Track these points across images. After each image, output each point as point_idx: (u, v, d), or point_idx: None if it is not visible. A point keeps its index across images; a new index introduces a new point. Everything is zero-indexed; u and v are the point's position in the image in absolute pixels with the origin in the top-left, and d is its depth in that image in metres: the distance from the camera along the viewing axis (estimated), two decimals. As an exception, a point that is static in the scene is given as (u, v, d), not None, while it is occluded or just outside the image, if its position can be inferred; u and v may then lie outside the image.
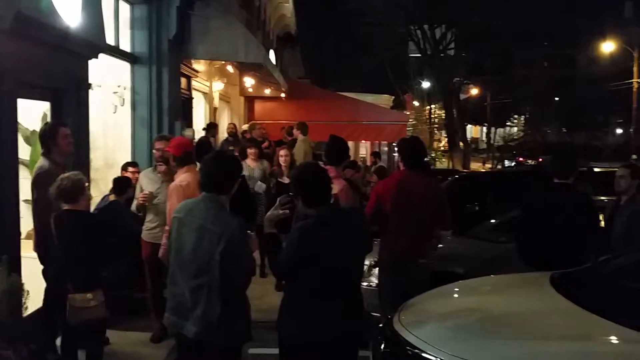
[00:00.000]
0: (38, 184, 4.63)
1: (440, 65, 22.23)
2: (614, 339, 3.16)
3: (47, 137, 4.83)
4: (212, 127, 10.99)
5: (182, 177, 4.90)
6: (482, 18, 20.31)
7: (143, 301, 5.83)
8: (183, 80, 9.86)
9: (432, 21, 21.36)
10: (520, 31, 22.21)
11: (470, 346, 3.07)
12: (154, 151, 5.68)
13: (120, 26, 7.98)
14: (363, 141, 20.44)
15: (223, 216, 3.22)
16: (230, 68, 12.79)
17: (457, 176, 10.11)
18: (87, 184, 4.52)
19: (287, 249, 3.22)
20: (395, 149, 20.11)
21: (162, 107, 8.51)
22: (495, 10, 20.08)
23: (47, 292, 4.64)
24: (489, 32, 21.31)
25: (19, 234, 4.98)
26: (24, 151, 5.95)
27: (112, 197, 6.03)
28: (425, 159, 4.89)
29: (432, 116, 31.60)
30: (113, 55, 7.62)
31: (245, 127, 12.77)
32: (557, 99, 37.15)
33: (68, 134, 4.92)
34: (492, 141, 36.45)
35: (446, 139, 27.20)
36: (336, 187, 4.97)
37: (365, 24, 22.55)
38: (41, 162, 4.83)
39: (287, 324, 3.27)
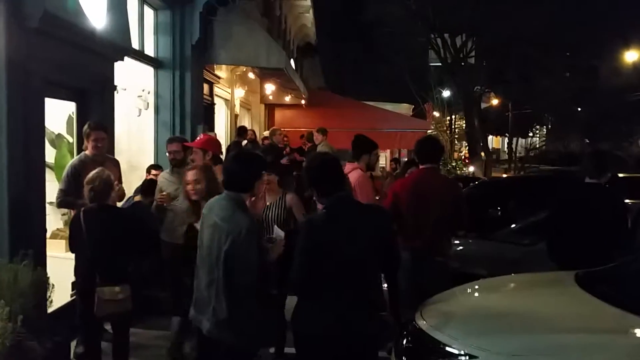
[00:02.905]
0: (70, 170, 4.87)
1: (461, 74, 22.13)
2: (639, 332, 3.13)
3: (84, 134, 5.07)
4: (243, 132, 11.07)
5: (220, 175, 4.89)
6: (503, 27, 20.22)
7: (164, 300, 5.85)
8: (205, 86, 9.98)
9: (453, 30, 21.30)
10: (542, 41, 22.05)
11: (496, 339, 3.03)
12: (167, 153, 5.74)
13: (144, 31, 8.13)
14: (382, 152, 20.40)
15: (236, 214, 3.21)
16: (251, 75, 12.93)
17: (480, 181, 10.06)
18: (115, 181, 4.59)
19: (298, 243, 3.21)
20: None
21: (185, 111, 8.62)
22: (516, 20, 19.98)
23: (76, 286, 4.69)
24: (510, 41, 21.21)
25: (45, 230, 5.05)
26: (49, 154, 6.05)
27: (137, 198, 6.11)
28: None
29: (453, 126, 31.44)
30: (138, 60, 7.74)
31: (265, 133, 12.84)
32: (579, 109, 36.76)
33: (96, 138, 5.02)
34: (514, 151, 36.13)
35: (467, 148, 27.01)
36: (352, 179, 5.01)
37: (386, 34, 22.59)
38: (78, 156, 5.16)
39: (300, 320, 3.24)
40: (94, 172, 4.30)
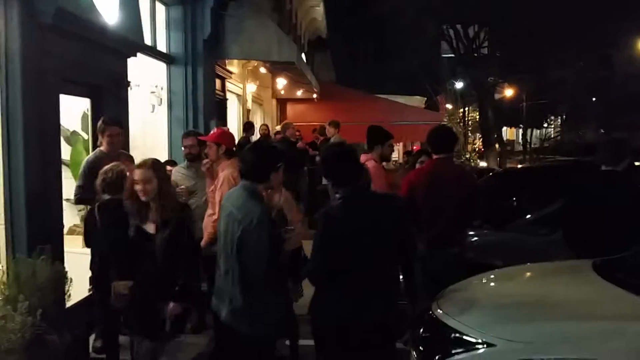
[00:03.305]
0: (86, 166, 4.90)
1: (474, 65, 21.96)
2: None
3: (99, 131, 5.09)
4: (250, 127, 11.11)
5: (232, 169, 4.88)
6: (516, 17, 20.03)
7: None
8: (217, 82, 10.00)
9: (465, 21, 21.12)
10: (555, 30, 21.80)
11: (514, 327, 3.02)
12: (182, 148, 5.75)
13: (156, 27, 8.15)
14: (395, 145, 20.33)
15: (249, 203, 3.23)
16: (262, 69, 12.93)
17: (496, 171, 9.99)
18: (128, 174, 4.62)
19: (315, 235, 3.21)
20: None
21: (198, 106, 8.65)
22: (529, 9, 19.78)
23: (92, 280, 4.74)
24: (523, 31, 21.00)
25: (62, 226, 5.10)
26: (65, 151, 6.10)
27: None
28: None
29: (466, 118, 31.23)
30: (150, 56, 7.77)
31: (278, 127, 12.85)
32: (594, 99, 36.37)
33: (111, 134, 5.04)
34: (528, 143, 35.82)
35: (480, 139, 26.83)
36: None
37: (397, 26, 22.48)
38: (93, 152, 5.17)
39: (319, 311, 3.25)
40: (108, 165, 4.36)
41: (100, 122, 5.13)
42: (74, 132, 6.84)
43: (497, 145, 23.00)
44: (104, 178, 4.31)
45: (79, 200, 5.02)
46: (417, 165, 6.48)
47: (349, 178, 3.25)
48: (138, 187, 3.66)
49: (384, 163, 6.20)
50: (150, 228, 3.70)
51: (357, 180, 3.28)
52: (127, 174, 4.45)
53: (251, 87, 13.39)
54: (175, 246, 3.61)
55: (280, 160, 3.48)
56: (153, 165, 3.71)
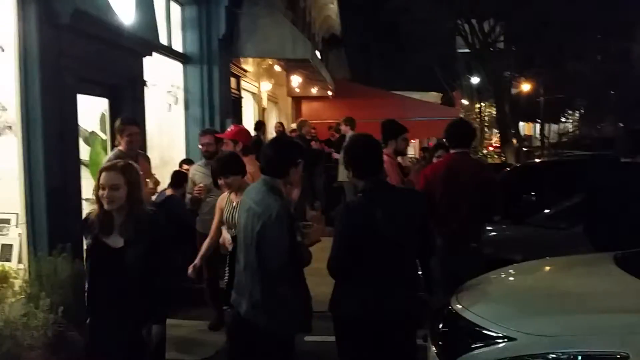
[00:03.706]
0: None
1: (490, 60, 21.77)
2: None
3: (117, 131, 5.11)
4: (261, 126, 11.14)
5: (249, 165, 4.91)
6: (531, 10, 19.82)
7: (200, 291, 5.93)
8: (233, 80, 10.04)
9: (480, 15, 20.94)
10: (572, 23, 21.54)
11: (535, 321, 2.98)
12: (199, 146, 5.78)
13: (172, 27, 8.21)
14: (411, 142, 20.25)
15: (268, 198, 3.23)
16: (277, 67, 12.94)
17: (513, 166, 9.91)
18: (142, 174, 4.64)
19: (335, 227, 3.21)
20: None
21: (214, 105, 8.69)
22: (545, 2, 19.57)
23: None
24: (539, 24, 20.78)
25: (81, 225, 5.14)
26: (84, 152, 6.16)
27: (169, 192, 6.19)
28: None
29: (482, 114, 31.02)
30: (166, 55, 7.82)
31: (293, 125, 12.86)
32: (612, 92, 35.91)
33: (130, 133, 5.08)
34: (546, 138, 35.49)
35: (498, 134, 26.64)
36: None
37: (411, 21, 22.35)
38: (113, 152, 5.19)
39: (340, 303, 3.24)
40: None
41: (118, 122, 5.17)
42: (93, 133, 6.91)
43: (514, 141, 22.80)
44: None
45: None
46: (434, 160, 6.43)
47: (371, 170, 3.24)
48: (103, 193, 3.03)
49: (400, 158, 6.16)
50: (116, 242, 3.09)
51: (378, 173, 3.27)
52: (140, 173, 4.51)
53: (266, 86, 13.41)
54: (149, 266, 3.05)
55: (300, 156, 3.47)
56: (124, 168, 3.11)
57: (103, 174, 3.07)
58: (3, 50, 4.38)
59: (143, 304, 3.07)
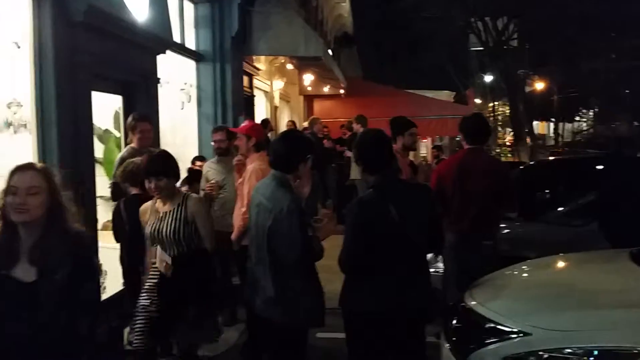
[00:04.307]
0: (119, 163, 4.89)
1: (504, 58, 21.63)
2: None
3: (129, 128, 5.12)
4: (267, 124, 11.16)
5: (260, 162, 4.89)
6: (545, 8, 19.67)
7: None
8: (245, 79, 10.06)
9: (494, 12, 20.82)
10: (586, 21, 21.34)
11: (550, 316, 2.96)
12: (212, 143, 5.79)
13: (185, 25, 8.24)
14: (423, 140, 20.16)
15: (278, 192, 3.22)
16: (289, 66, 12.95)
17: (527, 164, 9.85)
18: None
19: (347, 222, 3.21)
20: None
21: (226, 103, 8.72)
22: (558, 1, 19.43)
23: (123, 274, 4.81)
24: (553, 22, 20.63)
25: (96, 221, 5.19)
26: (97, 149, 6.20)
27: (184, 189, 6.22)
28: None
29: (496, 113, 30.87)
30: (179, 53, 7.86)
31: (305, 124, 12.87)
32: (627, 91, 35.53)
33: (142, 130, 5.09)
34: (560, 136, 35.22)
35: (512, 133, 26.48)
36: None
37: (424, 19, 22.28)
38: (125, 149, 5.20)
39: (352, 299, 3.24)
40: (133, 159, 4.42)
41: (130, 119, 5.19)
42: (107, 131, 6.96)
43: (528, 139, 22.64)
44: (125, 167, 4.40)
45: (114, 194, 5.09)
46: (432, 161, 6.38)
47: (382, 164, 3.23)
48: (12, 201, 2.27)
49: (412, 156, 6.13)
50: (26, 273, 2.29)
51: (389, 168, 3.26)
52: None
53: (278, 84, 13.44)
54: (76, 297, 2.31)
55: (310, 151, 3.46)
56: (45, 170, 2.42)
57: (16, 175, 2.31)
58: (19, 47, 4.41)
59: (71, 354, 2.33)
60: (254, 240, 3.39)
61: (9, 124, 4.68)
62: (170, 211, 3.69)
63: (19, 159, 4.57)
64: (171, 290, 3.68)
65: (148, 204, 3.81)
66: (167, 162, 3.76)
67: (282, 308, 3.21)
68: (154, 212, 3.74)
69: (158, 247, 3.66)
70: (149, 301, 3.79)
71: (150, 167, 3.69)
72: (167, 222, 3.66)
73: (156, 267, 3.76)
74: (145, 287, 3.83)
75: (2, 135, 4.66)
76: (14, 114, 4.55)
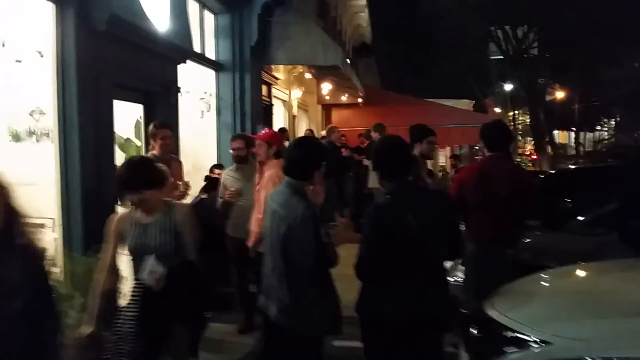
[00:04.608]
0: None
1: (524, 66, 21.47)
2: None
3: (151, 135, 5.19)
4: (284, 132, 11.21)
5: (277, 169, 4.89)
6: (566, 16, 19.52)
7: (230, 295, 5.96)
8: (264, 88, 10.12)
9: (514, 21, 20.71)
10: (606, 29, 21.13)
11: (571, 325, 2.91)
12: (230, 151, 5.83)
13: (205, 35, 8.33)
14: (441, 150, 20.04)
15: (292, 200, 3.21)
16: (308, 75, 13.01)
17: (549, 172, 9.75)
18: (170, 177, 4.70)
19: (363, 227, 3.18)
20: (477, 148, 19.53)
21: (245, 112, 8.79)
22: (579, 8, 19.27)
23: None
24: (574, 30, 20.45)
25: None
26: (119, 158, 6.26)
27: (204, 196, 6.29)
28: None
29: (516, 122, 30.61)
30: (200, 63, 7.94)
31: (323, 132, 12.89)
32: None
33: (163, 136, 5.16)
34: (581, 146, 34.79)
35: (532, 142, 26.22)
36: None
37: (443, 29, 22.24)
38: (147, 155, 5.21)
39: (365, 304, 3.21)
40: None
41: (151, 127, 5.26)
42: (128, 140, 7.04)
43: (549, 149, 22.40)
44: None
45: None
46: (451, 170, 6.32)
47: (399, 171, 3.21)
48: None
49: (430, 165, 6.08)
50: None
51: (406, 174, 3.23)
52: (169, 176, 4.57)
53: (296, 93, 13.49)
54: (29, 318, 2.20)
55: (324, 157, 3.45)
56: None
57: None
58: (42, 56, 4.49)
59: None
60: (268, 248, 3.37)
61: (31, 133, 4.76)
62: (155, 222, 3.27)
63: (41, 167, 4.70)
64: (160, 308, 3.20)
65: (125, 213, 3.36)
66: (148, 172, 3.28)
67: (297, 316, 3.19)
68: (136, 223, 3.28)
69: (152, 257, 3.17)
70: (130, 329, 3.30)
71: (129, 180, 3.19)
72: (154, 234, 3.25)
73: (140, 284, 3.26)
74: (128, 305, 3.34)
75: (24, 144, 4.73)
76: (37, 121, 4.63)
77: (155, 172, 3.32)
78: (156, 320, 3.24)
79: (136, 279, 3.31)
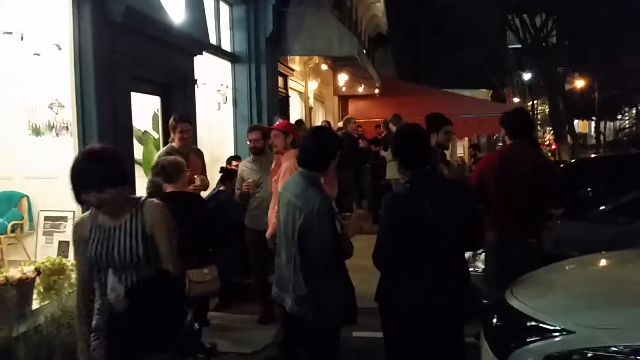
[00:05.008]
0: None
1: (543, 55, 21.14)
2: None
3: (170, 128, 5.22)
4: (301, 124, 11.19)
5: (294, 159, 4.89)
6: (584, 4, 19.20)
7: (249, 286, 5.99)
8: (280, 79, 10.11)
9: (531, 9, 20.37)
10: (626, 16, 20.73)
11: (594, 314, 2.87)
12: (247, 142, 5.83)
13: (221, 27, 8.33)
14: (459, 140, 19.88)
15: (308, 191, 3.19)
16: (324, 66, 12.96)
17: (570, 161, 9.65)
18: (188, 171, 4.72)
19: (381, 219, 3.15)
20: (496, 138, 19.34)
21: (261, 103, 8.78)
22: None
23: None
24: (593, 18, 20.10)
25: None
26: (137, 151, 6.30)
27: (221, 188, 6.31)
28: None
29: (535, 111, 30.23)
30: (215, 55, 7.95)
31: (340, 124, 12.85)
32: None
33: (182, 130, 5.19)
34: (602, 135, 34.28)
35: (550, 133, 25.89)
36: None
37: (459, 18, 21.97)
38: (165, 147, 5.31)
39: (384, 293, 3.19)
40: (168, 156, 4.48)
41: (171, 120, 5.29)
42: (145, 132, 7.10)
43: (569, 139, 22.09)
44: (158, 162, 4.47)
45: (151, 194, 5.17)
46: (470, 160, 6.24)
47: (418, 159, 3.17)
48: None
49: (448, 155, 6.00)
50: None
51: (425, 163, 3.19)
52: (185, 168, 4.60)
53: (313, 85, 13.46)
54: None
55: (339, 147, 3.43)
56: None
57: None
58: (60, 49, 4.52)
59: None
60: (282, 239, 3.36)
61: (51, 127, 4.80)
62: (121, 224, 2.67)
63: (61, 161, 4.74)
64: (127, 333, 2.56)
65: (85, 216, 2.77)
66: (108, 165, 2.59)
67: (313, 307, 3.18)
68: (97, 227, 2.69)
69: (110, 272, 2.60)
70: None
71: (83, 176, 2.55)
72: (119, 240, 2.65)
73: (107, 304, 2.63)
74: (95, 330, 2.72)
75: (45, 137, 4.77)
76: (56, 114, 4.66)
77: (116, 165, 2.61)
78: (125, 349, 2.58)
79: (102, 297, 2.67)
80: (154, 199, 2.78)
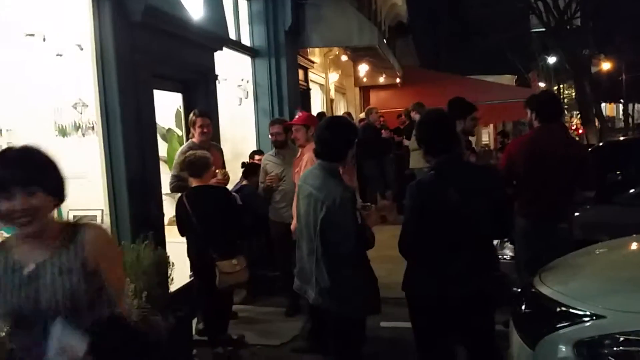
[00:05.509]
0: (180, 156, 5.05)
1: (567, 38, 20.70)
2: None
3: (190, 123, 5.35)
4: (322, 117, 11.15)
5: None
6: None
7: (275, 279, 6.03)
8: (300, 72, 10.10)
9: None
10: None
11: (625, 298, 2.81)
12: (269, 136, 5.85)
13: (240, 21, 8.35)
14: (483, 127, 19.63)
15: (329, 183, 3.18)
16: (344, 57, 12.90)
17: (598, 145, 9.46)
18: (213, 165, 4.76)
19: (407, 205, 3.12)
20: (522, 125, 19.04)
21: (282, 96, 8.78)
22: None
23: (192, 265, 4.92)
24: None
25: (162, 214, 5.33)
26: (161, 148, 6.37)
27: (244, 182, 6.36)
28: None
29: (562, 95, 29.72)
30: (235, 50, 7.97)
31: (362, 115, 12.80)
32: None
33: (202, 125, 5.25)
34: (630, 117, 33.49)
35: (578, 116, 25.42)
36: None
37: (481, 3, 21.65)
38: (186, 143, 5.45)
39: (415, 283, 3.17)
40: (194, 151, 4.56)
41: (191, 115, 5.35)
42: (169, 130, 7.17)
43: (596, 122, 21.65)
44: (186, 157, 4.55)
45: (173, 188, 5.23)
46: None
47: (443, 146, 3.12)
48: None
49: (473, 143, 5.94)
50: None
51: (450, 150, 3.14)
52: (212, 163, 4.64)
53: (333, 77, 13.42)
54: None
55: (355, 136, 3.40)
56: None
57: None
58: (82, 49, 4.57)
59: None
60: (304, 231, 3.35)
61: (77, 127, 4.87)
62: (50, 258, 1.97)
63: (88, 161, 4.81)
64: None
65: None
66: (41, 164, 2.06)
67: (337, 298, 3.18)
68: (13, 266, 1.97)
69: (58, 323, 1.85)
70: None
71: (11, 172, 1.91)
72: (49, 280, 1.94)
73: None
74: None
75: (71, 138, 4.84)
76: (80, 114, 4.72)
77: (47, 165, 2.07)
78: None
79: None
80: (91, 222, 2.15)
